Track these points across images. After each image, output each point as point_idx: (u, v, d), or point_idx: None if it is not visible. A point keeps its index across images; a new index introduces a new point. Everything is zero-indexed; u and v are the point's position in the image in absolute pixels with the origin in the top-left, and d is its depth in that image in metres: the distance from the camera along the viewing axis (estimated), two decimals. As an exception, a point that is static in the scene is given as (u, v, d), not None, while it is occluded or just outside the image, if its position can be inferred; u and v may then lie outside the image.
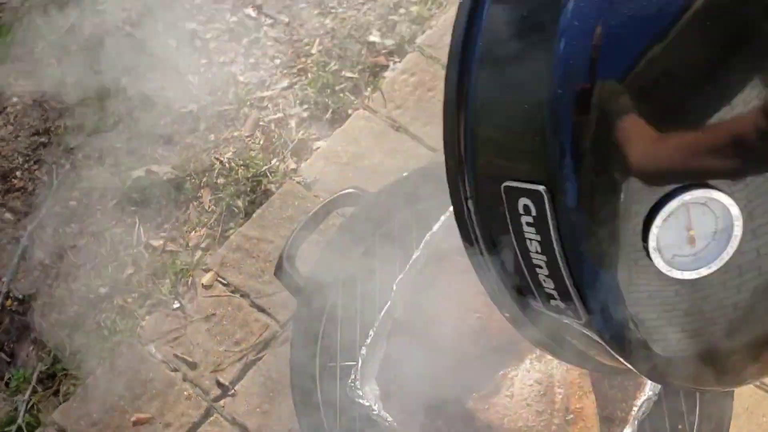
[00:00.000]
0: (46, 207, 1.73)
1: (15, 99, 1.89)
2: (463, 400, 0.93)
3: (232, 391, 1.49)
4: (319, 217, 1.08)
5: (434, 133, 1.76)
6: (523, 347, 0.95)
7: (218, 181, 1.71)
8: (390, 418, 0.88)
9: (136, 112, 1.83)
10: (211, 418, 1.48)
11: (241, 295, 1.58)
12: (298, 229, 1.05)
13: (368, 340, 0.93)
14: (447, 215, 1.01)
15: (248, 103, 1.83)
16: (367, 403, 0.88)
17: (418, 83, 1.83)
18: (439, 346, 0.96)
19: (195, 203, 1.70)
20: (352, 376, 0.91)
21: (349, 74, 1.86)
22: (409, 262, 0.98)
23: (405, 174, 1.11)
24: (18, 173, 1.80)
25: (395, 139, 1.76)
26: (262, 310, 1.57)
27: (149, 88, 1.86)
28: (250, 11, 1.98)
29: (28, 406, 1.51)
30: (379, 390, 0.92)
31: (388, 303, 0.95)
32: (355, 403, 0.90)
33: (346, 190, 1.09)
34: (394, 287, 0.96)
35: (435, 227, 0.99)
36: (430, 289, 0.99)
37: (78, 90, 1.88)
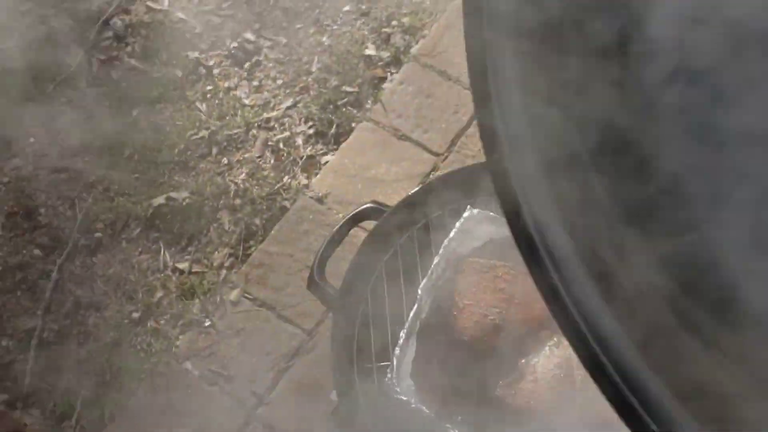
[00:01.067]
0: (73, 241, 1.81)
1: (32, 139, 1.97)
2: (490, 388, 1.01)
3: (268, 400, 1.58)
4: (343, 231, 1.17)
5: (436, 138, 1.84)
6: (543, 336, 1.03)
7: (235, 202, 1.80)
8: (427, 410, 0.96)
9: (150, 142, 1.91)
10: (250, 427, 1.57)
11: (268, 309, 1.67)
12: (324, 244, 1.14)
13: (400, 341, 1.02)
14: (461, 221, 1.09)
15: (256, 125, 1.91)
16: (405, 398, 0.97)
17: (417, 91, 1.92)
18: (464, 341, 1.04)
19: (215, 225, 1.78)
20: (389, 375, 1.00)
21: (349, 89, 1.95)
22: (431, 267, 1.06)
23: (417, 188, 1.20)
24: (42, 210, 1.88)
25: (399, 148, 1.84)
26: (288, 320, 1.65)
27: (160, 118, 1.95)
28: (249, 35, 2.06)
29: (75, 431, 1.60)
30: (414, 385, 1.00)
31: (415, 306, 1.04)
32: (394, 399, 0.98)
33: (366, 205, 1.18)
34: (419, 291, 1.05)
35: (452, 233, 1.08)
36: (451, 291, 1.07)
37: (91, 123, 1.97)
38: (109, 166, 1.89)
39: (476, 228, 1.10)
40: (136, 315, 1.70)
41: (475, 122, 1.86)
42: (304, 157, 1.86)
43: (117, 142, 1.92)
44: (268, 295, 1.67)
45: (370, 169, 1.82)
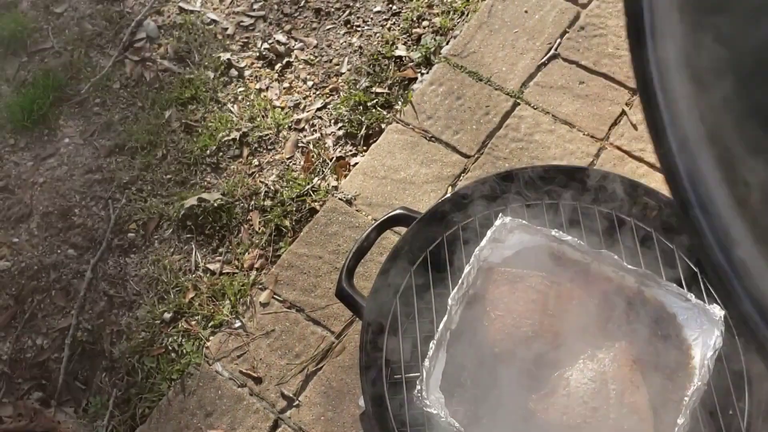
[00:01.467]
0: (106, 240, 1.84)
1: (66, 140, 2.00)
2: (523, 401, 1.00)
3: (297, 402, 1.58)
4: (371, 238, 1.16)
5: (466, 139, 1.82)
6: (576, 348, 1.01)
7: (265, 203, 1.80)
8: (457, 425, 0.95)
9: (182, 144, 1.92)
10: (279, 429, 1.57)
11: (297, 310, 1.67)
12: (351, 252, 1.13)
13: (430, 353, 1.01)
14: (493, 229, 1.08)
15: (286, 126, 1.92)
16: (435, 411, 0.96)
17: (447, 92, 1.90)
18: (495, 353, 1.03)
19: (246, 226, 1.79)
20: (418, 387, 0.98)
21: (379, 90, 1.93)
22: (461, 277, 1.05)
23: (447, 193, 1.18)
24: (76, 210, 1.90)
25: (429, 149, 1.83)
26: (317, 322, 1.65)
27: (192, 119, 1.96)
28: (280, 36, 2.06)
29: (108, 430, 1.62)
30: (444, 398, 0.99)
31: (445, 316, 1.02)
32: (423, 412, 0.97)
33: (395, 211, 1.16)
34: (449, 301, 1.03)
35: (483, 241, 1.06)
36: (482, 301, 1.06)
37: (124, 124, 1.99)
38: (141, 167, 1.91)
39: (508, 236, 1.08)
40: (167, 315, 1.72)
41: (506, 125, 1.83)
42: (334, 159, 1.85)
43: (150, 143, 1.93)
44: (297, 296, 1.67)
45: (399, 170, 1.80)
